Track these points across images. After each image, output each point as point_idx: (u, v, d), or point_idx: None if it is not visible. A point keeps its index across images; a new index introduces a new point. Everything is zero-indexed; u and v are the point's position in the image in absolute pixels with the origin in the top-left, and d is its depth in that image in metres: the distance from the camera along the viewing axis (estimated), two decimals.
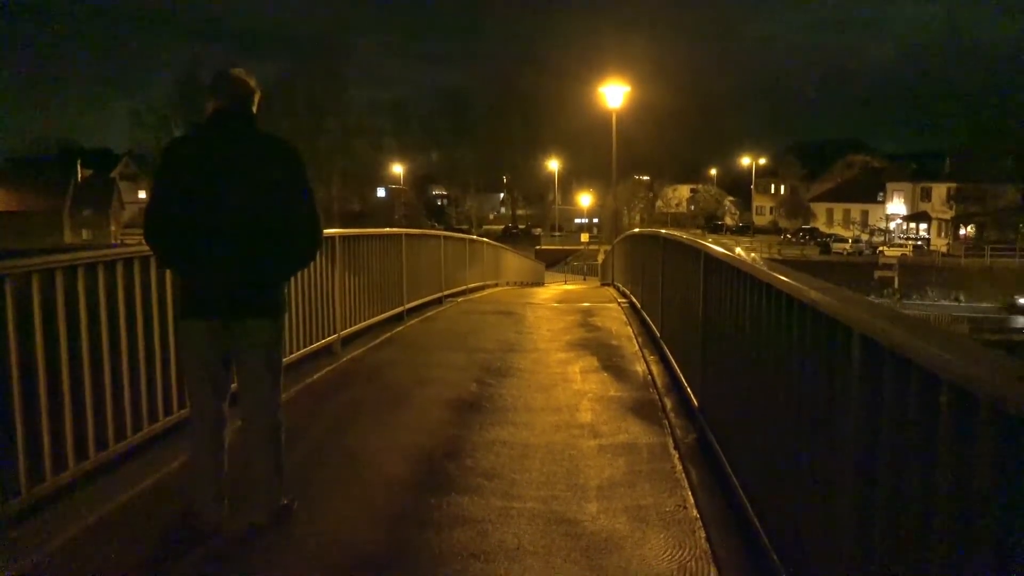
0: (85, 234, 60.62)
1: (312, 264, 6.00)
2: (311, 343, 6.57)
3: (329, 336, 7.01)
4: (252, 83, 3.47)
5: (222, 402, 3.47)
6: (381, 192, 75.78)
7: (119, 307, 4.09)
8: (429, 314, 10.46)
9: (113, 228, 63.38)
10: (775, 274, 2.89)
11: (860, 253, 56.09)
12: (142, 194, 76.82)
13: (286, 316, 3.71)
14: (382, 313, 8.72)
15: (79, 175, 65.57)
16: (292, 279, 5.68)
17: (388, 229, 9.72)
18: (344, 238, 7.43)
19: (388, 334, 8.50)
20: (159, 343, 4.40)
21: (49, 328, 3.61)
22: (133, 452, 4.17)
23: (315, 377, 6.28)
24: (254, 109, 3.47)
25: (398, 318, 9.30)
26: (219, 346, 3.37)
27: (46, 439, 3.54)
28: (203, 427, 3.44)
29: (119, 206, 67.76)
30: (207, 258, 3.28)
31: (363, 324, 8.02)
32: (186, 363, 3.56)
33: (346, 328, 7.47)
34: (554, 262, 34.46)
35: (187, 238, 3.27)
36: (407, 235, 9.91)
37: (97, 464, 3.89)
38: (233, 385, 3.53)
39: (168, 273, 4.38)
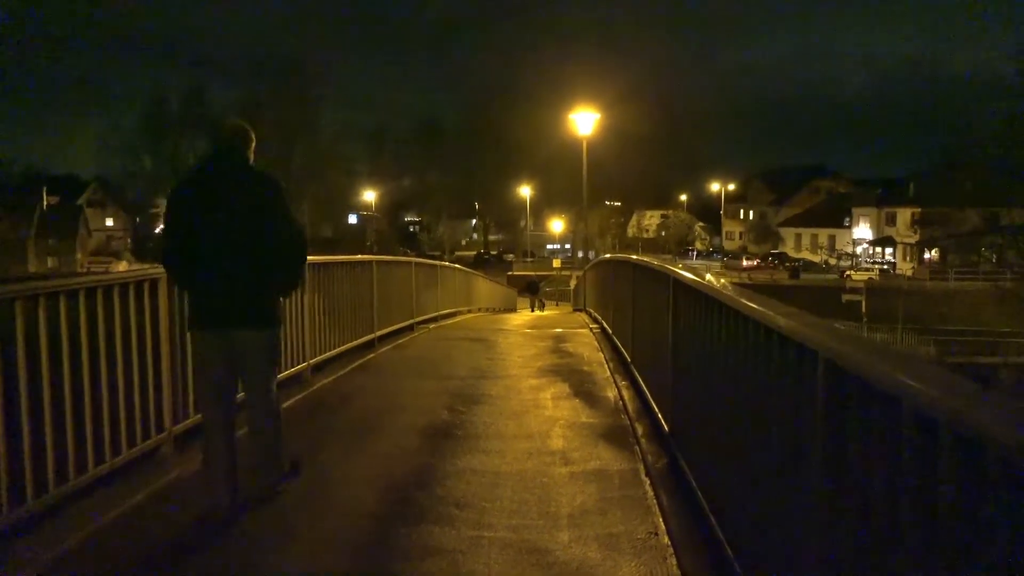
0: (51, 262, 59.61)
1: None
2: (281, 371, 6.48)
3: (299, 364, 6.94)
4: (247, 129, 4.09)
5: (228, 402, 4.04)
6: (353, 219, 75.57)
7: (99, 334, 4.12)
8: (400, 341, 10.41)
9: (79, 256, 62.38)
10: (743, 300, 2.92)
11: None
12: (110, 221, 75.88)
13: (281, 327, 4.27)
14: (353, 340, 8.66)
15: (44, 202, 64.62)
16: None
17: (359, 256, 9.67)
18: (314, 265, 7.38)
19: (359, 361, 8.44)
20: (137, 369, 4.39)
21: (32, 354, 3.61)
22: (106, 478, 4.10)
23: (285, 405, 6.15)
24: (249, 151, 4.07)
25: (369, 345, 9.24)
26: (223, 352, 3.94)
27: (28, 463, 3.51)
28: (213, 424, 3.99)
29: (86, 234, 66.80)
30: (211, 278, 3.86)
31: (334, 352, 7.96)
32: (196, 367, 4.32)
33: (316, 356, 7.40)
34: (524, 289, 34.56)
35: (194, 261, 3.86)
36: (378, 262, 9.88)
37: (75, 488, 3.85)
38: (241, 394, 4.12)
39: (139, 302, 4.49)
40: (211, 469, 3.96)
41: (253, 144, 4.11)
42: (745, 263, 63.62)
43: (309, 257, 7.27)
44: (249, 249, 3.85)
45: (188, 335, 4.78)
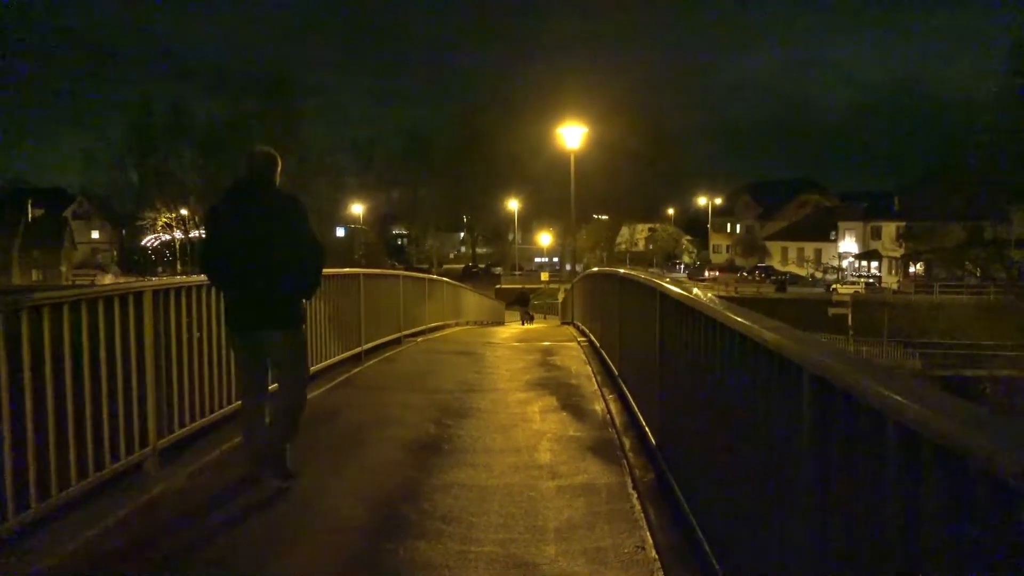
0: (35, 275, 59.14)
1: None
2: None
3: None
4: (275, 156, 4.67)
5: (260, 391, 4.68)
6: (340, 231, 75.36)
7: (83, 347, 4.05)
8: (388, 354, 10.37)
9: (64, 268, 61.94)
10: (729, 314, 2.92)
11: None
12: (96, 234, 75.51)
13: (304, 326, 4.73)
14: (339, 354, 8.62)
15: (29, 215, 64.18)
16: None
17: (346, 269, 9.65)
18: None
19: (345, 375, 8.40)
20: (122, 383, 4.38)
21: (14, 368, 3.57)
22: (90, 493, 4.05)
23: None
24: (276, 174, 4.65)
25: (356, 359, 9.20)
26: (254, 349, 4.58)
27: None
28: (246, 411, 4.71)
29: (71, 246, 66.35)
30: (242, 285, 4.47)
31: (320, 366, 7.91)
32: (236, 362, 5.22)
33: None
34: (514, 301, 34.63)
35: (227, 271, 4.50)
36: (365, 275, 9.85)
37: (58, 503, 3.79)
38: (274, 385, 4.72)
39: (123, 316, 4.50)
40: (248, 448, 4.69)
41: (279, 169, 4.69)
42: (707, 274, 67.98)
43: None
44: (274, 259, 4.42)
45: (180, 347, 5.14)
